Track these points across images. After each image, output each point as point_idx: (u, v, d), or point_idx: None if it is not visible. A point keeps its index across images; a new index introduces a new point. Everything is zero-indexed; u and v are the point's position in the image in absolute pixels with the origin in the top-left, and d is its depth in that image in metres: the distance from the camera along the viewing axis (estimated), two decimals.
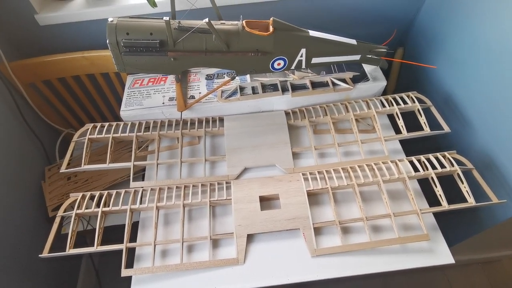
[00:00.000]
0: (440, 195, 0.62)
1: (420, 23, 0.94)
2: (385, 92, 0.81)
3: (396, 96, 0.77)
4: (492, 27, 0.68)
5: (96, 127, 0.73)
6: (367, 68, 0.81)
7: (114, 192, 0.66)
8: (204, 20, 0.56)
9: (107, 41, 0.58)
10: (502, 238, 1.06)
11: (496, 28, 0.67)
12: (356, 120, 0.75)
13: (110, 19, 0.58)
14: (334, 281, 0.58)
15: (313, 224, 0.61)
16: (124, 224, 0.61)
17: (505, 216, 0.70)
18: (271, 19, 0.61)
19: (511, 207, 0.68)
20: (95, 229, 0.61)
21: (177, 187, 0.66)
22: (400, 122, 0.72)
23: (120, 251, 0.59)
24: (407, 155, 0.71)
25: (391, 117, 0.77)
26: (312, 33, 0.65)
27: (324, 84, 0.78)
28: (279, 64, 0.67)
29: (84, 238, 0.98)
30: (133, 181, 0.68)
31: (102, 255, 1.25)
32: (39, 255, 0.58)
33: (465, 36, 0.76)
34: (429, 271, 1.25)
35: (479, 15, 0.72)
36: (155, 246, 0.60)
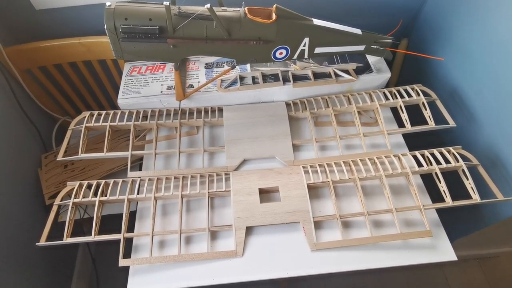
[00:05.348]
0: (444, 191, 0.61)
1: (427, 13, 0.92)
2: (387, 85, 0.79)
3: (400, 88, 0.75)
4: (504, 18, 0.66)
5: (93, 115, 0.72)
6: (371, 59, 0.79)
7: (111, 181, 0.65)
8: (205, 6, 0.54)
9: (105, 27, 0.56)
10: (502, 234, 1.05)
11: (509, 18, 0.65)
12: (359, 112, 0.73)
13: (108, 4, 0.56)
14: (333, 275, 0.57)
15: (313, 217, 0.60)
16: (121, 213, 0.61)
17: (509, 213, 0.69)
18: (274, 6, 0.59)
19: None
20: (92, 217, 0.60)
21: (175, 178, 0.65)
22: (404, 116, 0.71)
23: (118, 240, 0.58)
24: (410, 150, 0.70)
25: (394, 110, 0.76)
26: (316, 21, 0.63)
27: (326, 75, 0.77)
28: (281, 53, 0.65)
29: (81, 227, 0.97)
30: (130, 170, 0.67)
31: (99, 244, 1.25)
32: (36, 244, 0.57)
33: (474, 26, 0.74)
34: (427, 266, 1.25)
35: (490, 4, 0.70)
36: (152, 236, 0.59)
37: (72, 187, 0.64)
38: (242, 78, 0.76)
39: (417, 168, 0.63)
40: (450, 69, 0.83)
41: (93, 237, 0.59)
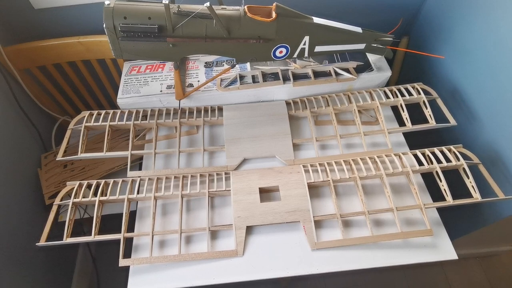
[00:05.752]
0: (444, 189, 0.61)
1: (427, 11, 0.92)
2: (387, 83, 0.79)
3: (401, 87, 0.75)
4: (505, 15, 0.66)
5: (93, 114, 0.72)
6: (371, 57, 0.79)
7: (111, 181, 0.65)
8: (205, 5, 0.54)
9: (104, 26, 0.56)
10: (502, 233, 1.05)
11: (510, 16, 0.65)
12: (359, 111, 0.73)
13: (107, 2, 0.55)
14: (334, 275, 0.57)
15: (313, 217, 0.60)
16: (121, 213, 0.60)
17: (509, 212, 0.69)
18: (274, 4, 0.59)
19: None
20: (92, 217, 0.60)
21: (175, 177, 0.65)
22: (405, 114, 0.71)
23: (118, 240, 0.58)
24: (411, 149, 0.70)
25: (395, 108, 0.76)
26: (316, 20, 0.63)
27: (326, 74, 0.76)
28: (281, 52, 0.65)
29: (81, 226, 0.97)
30: (130, 170, 0.67)
31: (99, 244, 1.25)
32: (36, 244, 0.57)
33: (475, 24, 0.74)
34: (427, 264, 1.25)
35: (491, 2, 0.69)
36: (153, 236, 0.59)
37: (72, 187, 0.64)
38: (242, 77, 0.76)
39: (417, 167, 0.63)
40: (450, 67, 0.83)
41: (93, 237, 0.59)
